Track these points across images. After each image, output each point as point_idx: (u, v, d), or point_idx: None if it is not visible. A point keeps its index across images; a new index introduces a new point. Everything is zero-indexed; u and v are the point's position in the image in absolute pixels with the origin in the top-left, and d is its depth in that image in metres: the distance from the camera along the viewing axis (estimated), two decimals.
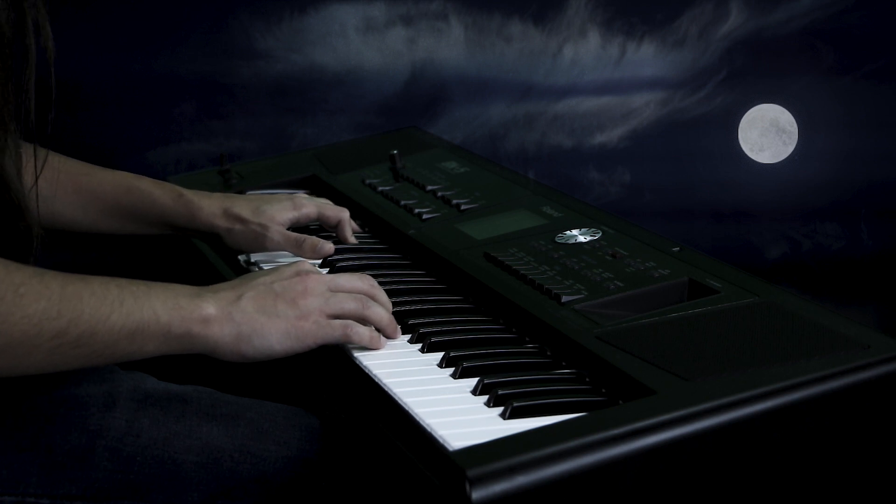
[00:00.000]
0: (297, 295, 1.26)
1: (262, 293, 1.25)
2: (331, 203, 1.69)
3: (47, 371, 1.14)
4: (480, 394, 1.18)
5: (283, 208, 1.62)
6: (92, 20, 2.35)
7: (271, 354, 1.24)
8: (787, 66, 2.39)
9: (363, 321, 1.30)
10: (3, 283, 1.08)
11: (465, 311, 1.42)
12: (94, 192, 1.58)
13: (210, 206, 1.61)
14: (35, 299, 1.09)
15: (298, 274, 1.29)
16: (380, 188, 1.86)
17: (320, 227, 1.71)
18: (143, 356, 1.19)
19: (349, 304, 1.29)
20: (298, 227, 1.65)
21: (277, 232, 1.59)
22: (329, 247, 1.57)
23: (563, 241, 1.53)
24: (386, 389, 1.20)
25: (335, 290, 1.30)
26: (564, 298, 1.35)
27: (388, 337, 1.33)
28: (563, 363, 1.26)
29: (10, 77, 1.19)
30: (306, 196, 1.69)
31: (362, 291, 1.32)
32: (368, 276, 1.35)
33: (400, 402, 1.17)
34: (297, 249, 1.58)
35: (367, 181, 1.90)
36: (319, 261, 1.60)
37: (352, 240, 1.66)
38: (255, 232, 1.59)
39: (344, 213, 1.67)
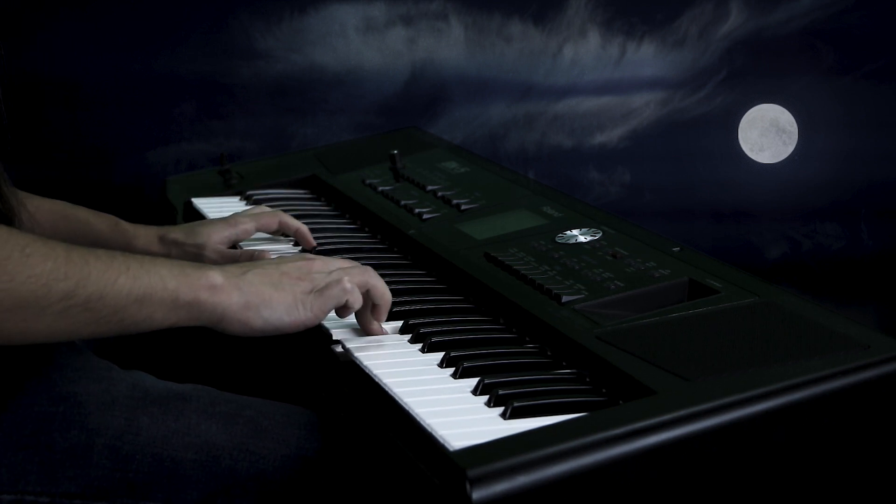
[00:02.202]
0: (303, 273, 1.28)
1: (269, 270, 1.27)
2: (265, 209, 1.69)
3: (58, 338, 1.14)
4: (481, 394, 1.18)
5: (218, 228, 1.63)
6: (92, 20, 2.35)
7: (279, 327, 1.25)
8: (787, 66, 2.39)
9: (367, 290, 1.32)
10: (7, 243, 1.09)
11: (465, 311, 1.42)
12: (28, 219, 1.56)
13: (146, 235, 1.63)
14: (42, 260, 1.10)
15: (304, 258, 1.31)
16: (380, 188, 1.86)
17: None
18: (152, 326, 1.19)
19: (355, 272, 1.31)
20: (238, 242, 1.65)
21: (213, 251, 1.60)
22: (266, 255, 1.56)
23: (563, 241, 1.53)
24: (386, 389, 1.20)
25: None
26: (564, 298, 1.35)
27: (377, 317, 1.34)
28: (564, 363, 1.26)
29: None
30: (242, 213, 1.69)
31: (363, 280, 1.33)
32: (371, 268, 1.35)
33: (400, 401, 1.17)
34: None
35: (367, 181, 1.90)
36: None
37: (304, 229, 1.66)
38: (191, 254, 1.60)
39: (280, 216, 1.67)
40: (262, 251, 1.57)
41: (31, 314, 1.10)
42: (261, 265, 1.27)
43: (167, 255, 1.60)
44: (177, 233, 1.63)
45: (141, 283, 1.16)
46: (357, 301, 1.30)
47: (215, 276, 1.22)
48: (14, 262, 1.08)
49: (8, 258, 1.08)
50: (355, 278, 1.30)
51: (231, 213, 1.70)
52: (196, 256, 1.60)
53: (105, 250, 1.17)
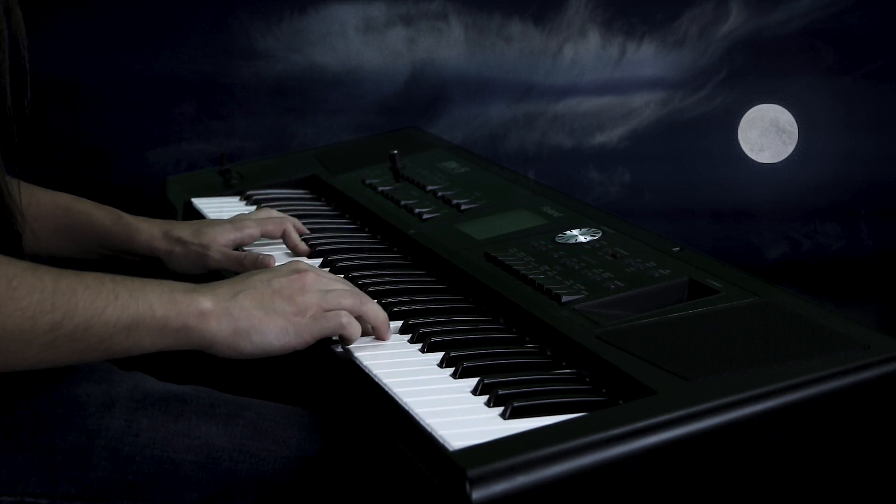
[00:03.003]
0: (295, 292, 1.27)
1: (260, 290, 1.25)
2: (273, 214, 1.68)
3: (44, 366, 1.14)
4: (480, 394, 1.18)
5: (225, 230, 1.61)
6: (92, 20, 2.35)
7: (269, 351, 1.24)
8: (787, 66, 2.39)
9: (359, 317, 1.31)
10: None
11: (465, 311, 1.42)
12: (31, 212, 1.51)
13: (150, 229, 1.61)
14: (28, 292, 1.09)
15: (296, 271, 1.29)
16: (380, 188, 1.86)
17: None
18: (140, 351, 1.19)
19: (346, 300, 1.29)
20: (242, 245, 1.64)
21: (218, 251, 1.58)
22: (271, 259, 1.54)
23: (563, 241, 1.53)
24: (386, 389, 1.20)
25: (332, 290, 1.30)
26: (564, 298, 1.35)
27: (380, 338, 1.33)
28: (563, 363, 1.26)
29: None
30: (247, 216, 1.68)
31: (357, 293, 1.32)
32: (362, 293, 1.34)
33: (400, 401, 1.17)
34: (239, 266, 1.56)
35: (367, 181, 1.90)
36: (319, 260, 1.60)
37: (302, 247, 1.64)
38: (196, 252, 1.58)
39: (286, 224, 1.65)
40: (268, 256, 1.55)
41: (16, 346, 1.09)
42: (252, 283, 1.26)
43: (171, 252, 1.60)
44: (182, 230, 1.61)
45: (129, 311, 1.15)
46: (355, 333, 1.29)
47: (205, 301, 1.21)
48: (0, 295, 1.07)
49: None
50: (347, 301, 1.29)
51: (237, 214, 1.69)
52: (200, 256, 1.59)
53: (94, 276, 1.16)
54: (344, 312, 1.28)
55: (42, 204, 1.58)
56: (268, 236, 1.65)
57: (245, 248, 1.64)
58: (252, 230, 1.63)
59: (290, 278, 1.28)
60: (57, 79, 2.33)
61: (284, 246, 1.66)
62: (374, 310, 1.32)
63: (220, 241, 1.60)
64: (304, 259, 1.62)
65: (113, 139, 2.39)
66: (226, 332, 1.22)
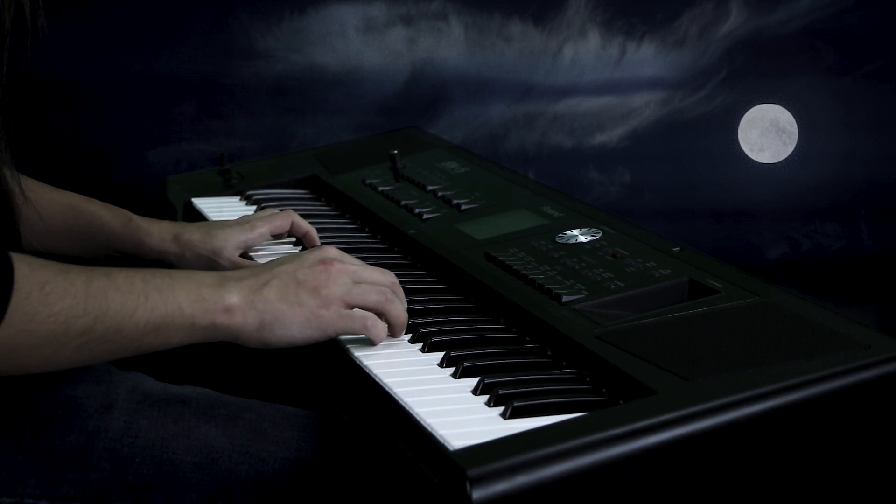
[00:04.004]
0: (320, 284, 1.26)
1: (286, 281, 1.25)
2: (275, 212, 1.67)
3: (76, 366, 1.14)
4: (481, 393, 1.18)
5: (235, 232, 1.60)
6: (92, 20, 2.36)
7: (292, 342, 1.24)
8: (787, 66, 2.39)
9: (382, 315, 1.30)
10: (28, 281, 1.07)
11: (465, 310, 1.42)
12: (40, 211, 1.51)
13: (160, 232, 1.60)
14: (61, 297, 1.09)
15: (323, 262, 1.28)
16: (380, 188, 1.86)
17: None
18: (169, 347, 1.19)
19: (371, 297, 1.29)
20: (252, 247, 1.63)
21: (227, 259, 1.58)
22: None
23: (563, 241, 1.53)
24: (386, 389, 1.20)
25: (358, 282, 1.29)
26: (565, 298, 1.35)
27: (394, 336, 1.33)
28: (564, 363, 1.26)
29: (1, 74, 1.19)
30: (255, 216, 1.66)
31: (384, 285, 1.32)
32: (391, 273, 1.34)
33: (400, 401, 1.17)
34: None
35: (368, 181, 1.90)
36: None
37: (313, 232, 1.65)
38: (206, 258, 1.58)
39: (291, 216, 1.65)
40: None
41: (50, 351, 1.10)
42: (278, 273, 1.25)
43: (181, 255, 1.59)
44: (193, 233, 1.60)
45: (158, 312, 1.16)
46: (380, 335, 1.29)
47: (232, 297, 1.21)
48: (33, 302, 1.07)
49: (27, 298, 1.07)
50: (371, 298, 1.29)
51: (243, 216, 1.69)
52: (210, 261, 1.58)
53: (125, 276, 1.16)
54: (370, 315, 1.28)
55: (52, 205, 1.58)
56: (277, 232, 1.64)
57: (252, 253, 1.63)
58: (262, 229, 1.62)
59: (316, 270, 1.27)
60: (57, 79, 2.34)
61: (292, 246, 1.66)
62: (398, 310, 1.31)
63: (232, 244, 1.59)
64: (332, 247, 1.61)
65: (113, 139, 2.40)
66: (252, 326, 1.22)
